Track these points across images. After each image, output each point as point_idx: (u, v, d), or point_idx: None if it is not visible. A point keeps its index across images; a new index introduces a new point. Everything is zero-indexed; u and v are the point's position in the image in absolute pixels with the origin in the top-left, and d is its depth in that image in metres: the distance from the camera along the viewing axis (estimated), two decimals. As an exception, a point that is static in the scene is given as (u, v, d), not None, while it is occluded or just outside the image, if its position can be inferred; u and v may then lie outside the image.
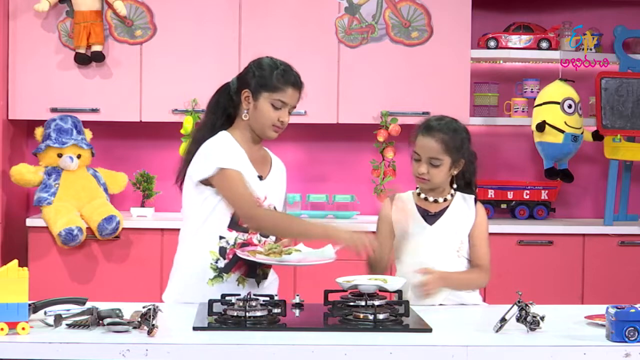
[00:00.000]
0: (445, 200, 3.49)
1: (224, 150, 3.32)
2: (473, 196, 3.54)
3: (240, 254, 3.24)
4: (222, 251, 3.34)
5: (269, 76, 3.33)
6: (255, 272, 3.37)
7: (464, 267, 3.48)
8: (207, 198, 3.34)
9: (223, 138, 3.36)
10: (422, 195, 3.49)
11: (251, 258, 3.22)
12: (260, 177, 3.40)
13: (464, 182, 3.53)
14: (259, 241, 3.37)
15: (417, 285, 3.30)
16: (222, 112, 3.44)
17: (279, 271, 3.53)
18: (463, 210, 3.50)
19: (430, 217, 3.46)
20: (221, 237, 3.34)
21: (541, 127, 5.50)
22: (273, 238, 3.41)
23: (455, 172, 3.48)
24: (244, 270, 3.35)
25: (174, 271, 3.45)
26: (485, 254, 3.47)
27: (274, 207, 3.42)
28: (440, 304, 3.37)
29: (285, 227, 3.33)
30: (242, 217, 3.31)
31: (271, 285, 3.46)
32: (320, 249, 3.27)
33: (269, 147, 3.58)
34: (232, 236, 3.35)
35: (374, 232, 3.43)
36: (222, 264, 3.34)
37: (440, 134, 3.42)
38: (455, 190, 3.51)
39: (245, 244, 3.34)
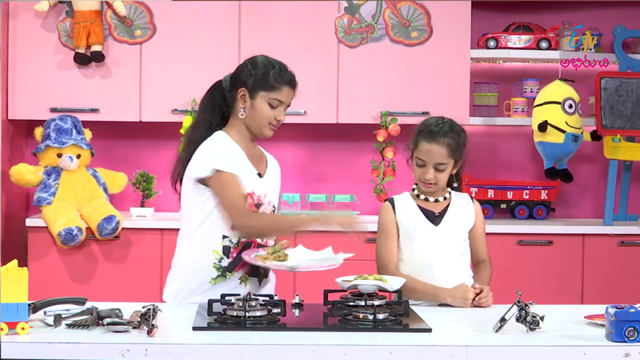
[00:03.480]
0: (445, 198, 3.50)
1: (221, 151, 3.32)
2: (466, 194, 3.56)
3: (250, 260, 3.23)
4: (226, 250, 3.34)
5: (266, 75, 3.34)
6: (258, 270, 3.37)
7: (468, 266, 3.51)
8: (208, 199, 3.33)
9: (220, 138, 3.37)
10: (422, 197, 3.50)
11: (261, 264, 3.22)
12: (260, 175, 3.41)
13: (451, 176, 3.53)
14: (262, 239, 3.37)
15: (466, 298, 3.31)
16: (218, 110, 3.44)
17: (276, 271, 3.53)
18: (463, 208, 3.52)
19: (435, 218, 3.47)
20: (224, 237, 3.34)
21: (543, 127, 5.49)
22: None
23: (454, 172, 3.49)
24: (247, 269, 3.36)
25: (174, 272, 3.45)
26: (486, 248, 3.56)
27: (273, 205, 3.43)
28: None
29: (278, 227, 3.35)
30: (235, 225, 3.31)
31: (268, 285, 3.46)
32: (322, 251, 3.27)
33: (266, 145, 3.58)
34: (236, 235, 3.35)
35: (372, 232, 3.43)
36: (225, 262, 3.34)
37: (445, 138, 3.41)
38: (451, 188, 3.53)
39: (248, 243, 3.35)
